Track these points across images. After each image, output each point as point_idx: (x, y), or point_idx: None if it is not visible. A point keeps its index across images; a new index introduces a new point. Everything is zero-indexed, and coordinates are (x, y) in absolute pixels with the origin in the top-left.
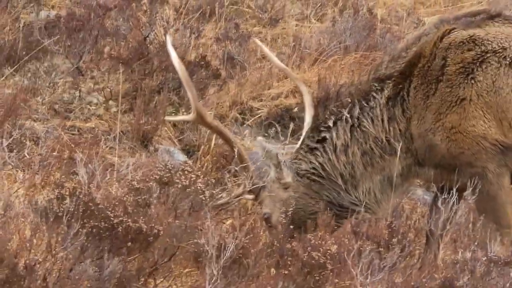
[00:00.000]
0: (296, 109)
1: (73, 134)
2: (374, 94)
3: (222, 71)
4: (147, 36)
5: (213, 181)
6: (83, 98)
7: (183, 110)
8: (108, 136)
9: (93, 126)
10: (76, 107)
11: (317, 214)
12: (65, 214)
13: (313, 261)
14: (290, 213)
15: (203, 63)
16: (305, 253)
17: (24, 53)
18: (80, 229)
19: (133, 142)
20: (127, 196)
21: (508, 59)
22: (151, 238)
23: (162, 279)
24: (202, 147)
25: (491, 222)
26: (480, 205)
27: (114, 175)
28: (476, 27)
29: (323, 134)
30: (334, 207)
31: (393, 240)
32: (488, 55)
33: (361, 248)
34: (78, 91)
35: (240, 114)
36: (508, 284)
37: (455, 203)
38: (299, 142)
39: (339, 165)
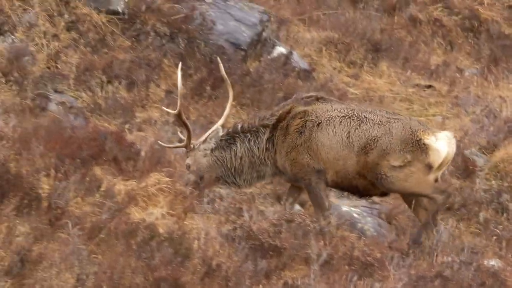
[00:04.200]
0: None
1: (241, 195)
2: (261, 135)
3: None
4: None
5: (315, 220)
6: None
7: None
8: (260, 197)
9: (251, 190)
10: None
11: (214, 180)
12: (237, 237)
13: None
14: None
15: None
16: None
17: None
18: (245, 245)
19: (273, 201)
20: (269, 227)
21: (317, 122)
22: (282, 249)
23: (288, 271)
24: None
25: (317, 209)
26: (311, 200)
27: (262, 217)
28: (307, 105)
29: (234, 142)
30: (221, 180)
31: None
32: (308, 120)
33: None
34: None
35: None
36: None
37: None
38: (225, 136)
39: (235, 162)
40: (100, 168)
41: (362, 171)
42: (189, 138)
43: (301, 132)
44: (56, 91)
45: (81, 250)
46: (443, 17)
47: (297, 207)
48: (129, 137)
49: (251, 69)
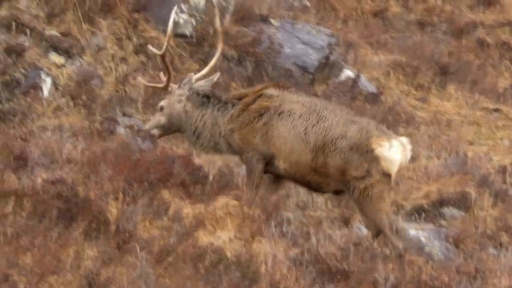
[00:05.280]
0: None
1: (308, 219)
2: (229, 108)
3: None
4: None
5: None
6: None
7: None
8: (327, 220)
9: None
10: None
11: (180, 130)
12: (304, 261)
13: None
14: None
15: None
16: None
17: None
18: (312, 269)
19: (340, 224)
20: (337, 251)
21: (279, 111)
22: (350, 273)
23: None
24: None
25: (248, 182)
26: (246, 172)
27: (330, 241)
28: (276, 90)
29: (206, 105)
30: (184, 134)
31: None
32: (271, 106)
33: None
34: None
35: None
36: None
37: None
38: (203, 93)
39: (198, 123)
40: (168, 192)
41: (320, 170)
42: (168, 81)
43: (261, 115)
44: (124, 114)
45: (149, 273)
46: (511, 40)
47: (364, 230)
48: (197, 160)
49: (318, 92)
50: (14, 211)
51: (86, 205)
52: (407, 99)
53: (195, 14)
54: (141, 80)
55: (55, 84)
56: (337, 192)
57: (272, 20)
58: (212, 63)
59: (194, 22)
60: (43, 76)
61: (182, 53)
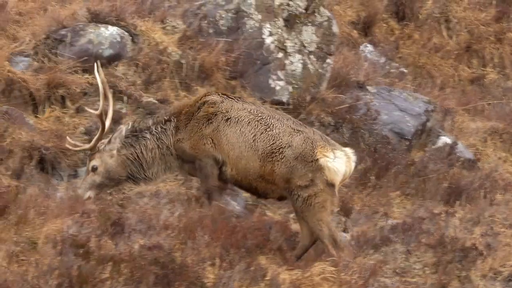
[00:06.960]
0: None
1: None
2: (169, 124)
3: None
4: None
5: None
6: None
7: None
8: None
9: None
10: None
11: (120, 181)
12: None
13: None
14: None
15: None
16: None
17: None
18: None
19: None
20: None
21: (227, 117)
22: None
23: None
24: None
25: (203, 182)
26: (199, 175)
27: None
28: (217, 97)
29: (144, 136)
30: (131, 178)
31: None
32: (219, 112)
33: None
34: None
35: None
36: None
37: None
38: (131, 133)
39: (146, 155)
40: (265, 258)
41: (267, 177)
42: (98, 140)
43: (209, 121)
44: None
45: None
46: None
47: None
48: (294, 226)
49: (415, 159)
50: (112, 276)
51: (183, 271)
52: (504, 166)
53: (292, 81)
54: (68, 145)
55: None
56: (281, 199)
57: (368, 87)
58: (109, 116)
59: (290, 89)
60: None
61: None
